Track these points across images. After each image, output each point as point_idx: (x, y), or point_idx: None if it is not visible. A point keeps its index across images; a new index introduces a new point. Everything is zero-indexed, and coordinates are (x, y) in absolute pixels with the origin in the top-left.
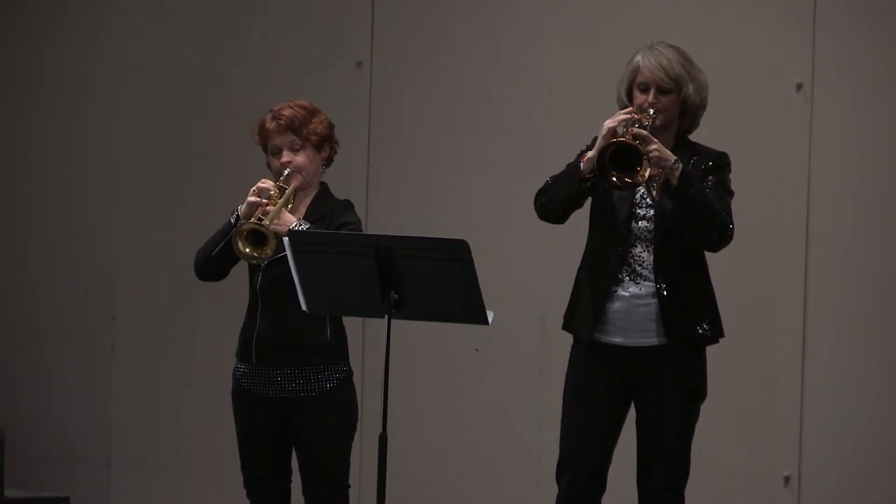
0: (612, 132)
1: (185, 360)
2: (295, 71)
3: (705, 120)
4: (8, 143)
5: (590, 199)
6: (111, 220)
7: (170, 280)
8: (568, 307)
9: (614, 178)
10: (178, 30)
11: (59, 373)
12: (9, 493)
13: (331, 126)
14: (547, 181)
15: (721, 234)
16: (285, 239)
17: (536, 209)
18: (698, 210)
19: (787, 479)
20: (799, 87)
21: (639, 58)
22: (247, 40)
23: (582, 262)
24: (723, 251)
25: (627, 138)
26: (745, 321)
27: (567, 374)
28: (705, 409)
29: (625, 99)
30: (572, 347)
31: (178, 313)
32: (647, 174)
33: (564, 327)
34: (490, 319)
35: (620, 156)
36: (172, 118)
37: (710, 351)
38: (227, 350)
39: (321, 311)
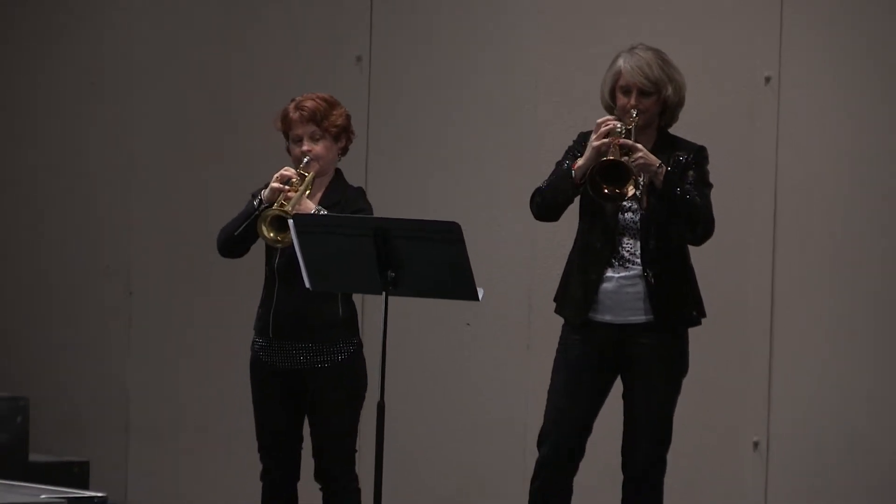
0: (600, 150)
1: (197, 333)
2: (296, 66)
3: (682, 110)
4: (32, 131)
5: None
6: (128, 206)
7: (183, 259)
8: (558, 292)
9: (606, 192)
10: (184, 27)
11: (80, 346)
12: (33, 457)
13: (348, 118)
14: (541, 185)
15: (704, 230)
16: (290, 221)
17: (532, 210)
18: (682, 208)
19: (756, 445)
20: (767, 80)
21: (620, 62)
22: (249, 36)
23: (573, 250)
24: None
25: (614, 153)
26: (718, 298)
27: (557, 350)
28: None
29: (608, 100)
30: (563, 328)
31: (191, 290)
32: (630, 190)
33: (557, 311)
34: (480, 296)
35: (609, 170)
36: (182, 108)
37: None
38: (237, 323)
39: (323, 288)
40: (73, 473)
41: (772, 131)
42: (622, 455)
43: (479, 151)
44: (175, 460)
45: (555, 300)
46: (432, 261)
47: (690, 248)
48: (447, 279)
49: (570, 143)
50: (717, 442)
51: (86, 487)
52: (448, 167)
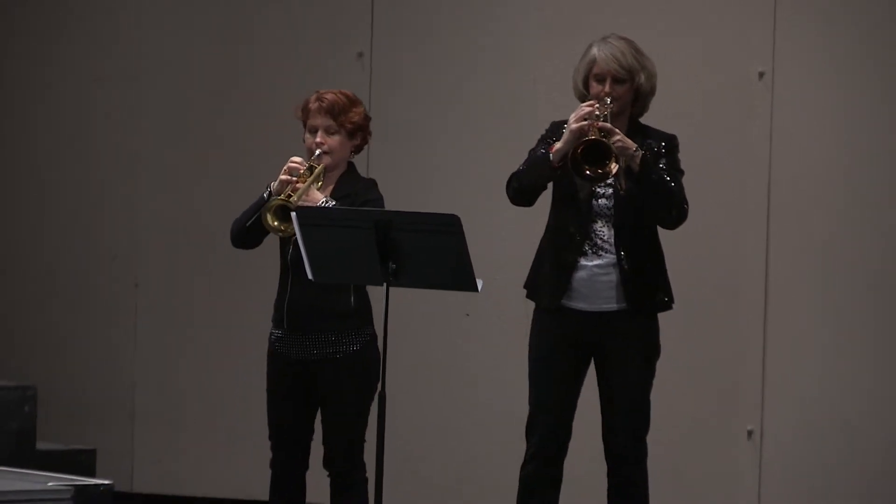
0: (581, 131)
1: (202, 323)
2: (298, 62)
3: (675, 105)
4: (39, 123)
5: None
6: (134, 198)
7: (188, 250)
8: (529, 277)
9: (588, 172)
10: (189, 23)
11: (87, 336)
12: (40, 445)
13: (367, 118)
14: (518, 169)
15: (678, 213)
16: (293, 214)
17: (509, 195)
18: (658, 192)
19: (750, 434)
20: (761, 75)
21: (594, 50)
22: (254, 33)
23: (545, 235)
24: (692, 225)
25: (594, 133)
26: (712, 290)
27: (531, 337)
28: (671, 365)
29: (581, 88)
30: (535, 313)
31: (196, 281)
32: (615, 167)
33: (528, 296)
34: (479, 287)
35: (590, 151)
36: (187, 102)
37: (683, 315)
38: (241, 313)
39: (326, 279)
40: (79, 461)
41: (766, 125)
42: (604, 441)
43: (477, 146)
44: (180, 449)
45: (525, 286)
46: (432, 252)
47: (684, 239)
48: (447, 270)
49: (543, 132)
50: (712, 431)
51: (92, 475)
52: (448, 161)
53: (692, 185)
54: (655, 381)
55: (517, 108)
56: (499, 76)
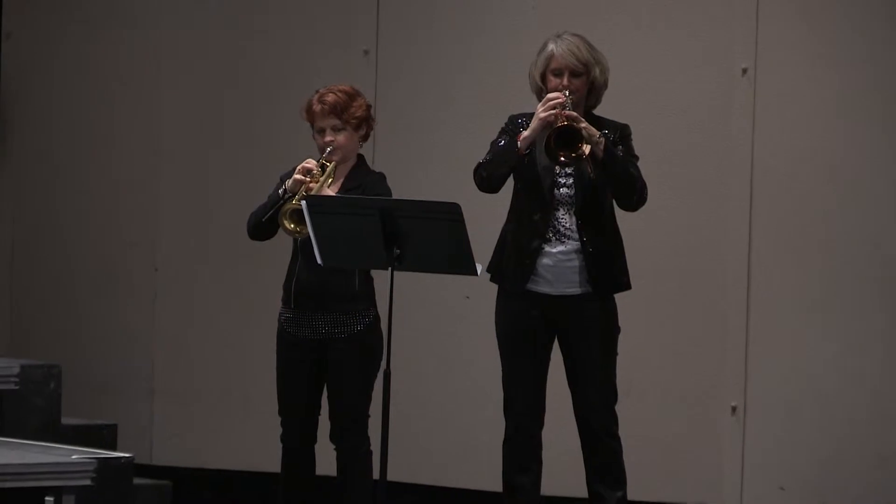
0: (547, 121)
1: (217, 305)
2: (306, 59)
3: (659, 100)
4: (63, 111)
5: None
6: (154, 190)
7: (204, 237)
8: (493, 259)
9: (563, 157)
10: (207, 22)
11: (109, 318)
12: (65, 420)
13: (368, 108)
14: (485, 158)
15: (639, 196)
16: (303, 202)
17: (476, 182)
18: (621, 177)
19: (734, 409)
20: (744, 71)
21: (552, 46)
22: (266, 31)
23: (508, 219)
24: (680, 213)
25: (563, 121)
26: (697, 272)
27: (497, 320)
28: (658, 343)
29: (539, 82)
30: (499, 295)
31: (211, 266)
32: (587, 148)
33: (493, 280)
34: (479, 271)
35: (561, 136)
36: (206, 92)
37: (670, 298)
38: (256, 294)
39: (334, 264)
40: (102, 435)
41: (748, 119)
42: (576, 418)
43: (480, 139)
44: (197, 423)
45: (489, 270)
46: (434, 238)
47: (673, 222)
48: (448, 255)
49: (503, 126)
50: (697, 407)
51: (114, 448)
52: (449, 153)
53: (678, 177)
54: (645, 361)
55: (515, 103)
56: (498, 72)
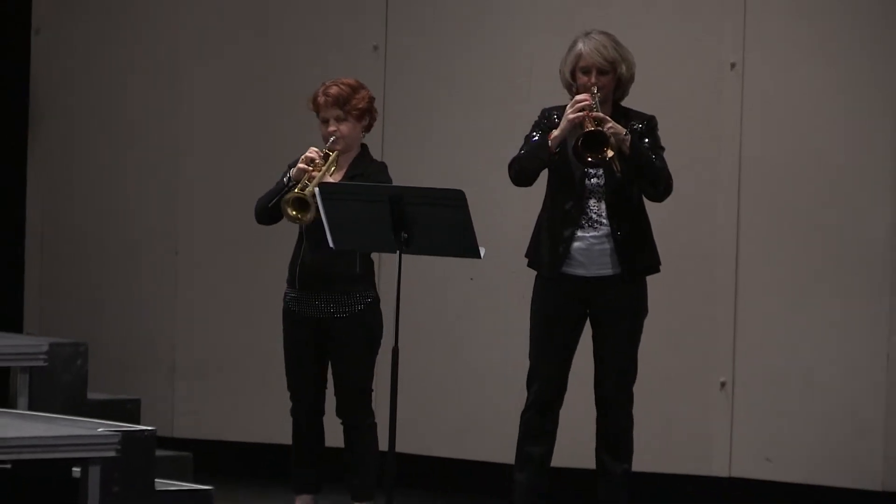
0: (575, 123)
1: (234, 287)
2: (319, 54)
3: (652, 94)
4: (86, 101)
5: None
6: (175, 178)
7: (222, 222)
8: (531, 249)
9: (590, 159)
10: (224, 19)
11: (133, 297)
12: (91, 395)
13: (371, 100)
14: (518, 154)
15: (665, 187)
16: (316, 189)
17: (511, 176)
18: (647, 170)
19: (722, 385)
20: (732, 66)
21: (580, 45)
22: (282, 29)
23: (543, 209)
24: (672, 200)
25: (590, 124)
26: (688, 254)
27: (533, 300)
28: (652, 323)
29: (569, 78)
30: (536, 279)
31: (228, 249)
32: (610, 153)
33: (530, 265)
34: (482, 254)
35: (588, 140)
36: (222, 89)
37: (663, 278)
38: (271, 277)
39: (345, 247)
40: (126, 410)
41: (736, 113)
42: (595, 390)
43: (482, 130)
44: (216, 398)
45: (527, 256)
46: (440, 223)
47: (666, 210)
48: (453, 239)
49: (535, 119)
50: (686, 382)
51: (137, 422)
52: (455, 143)
53: (670, 168)
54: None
55: (521, 96)
56: (502, 67)
